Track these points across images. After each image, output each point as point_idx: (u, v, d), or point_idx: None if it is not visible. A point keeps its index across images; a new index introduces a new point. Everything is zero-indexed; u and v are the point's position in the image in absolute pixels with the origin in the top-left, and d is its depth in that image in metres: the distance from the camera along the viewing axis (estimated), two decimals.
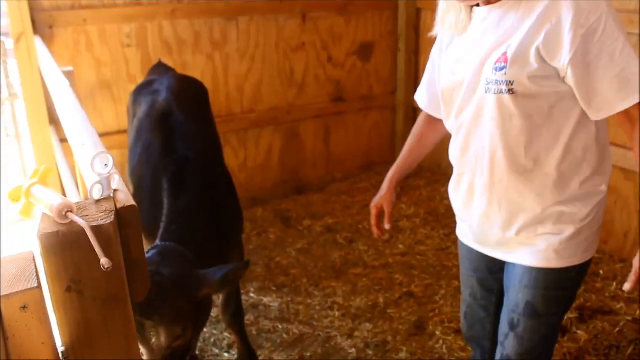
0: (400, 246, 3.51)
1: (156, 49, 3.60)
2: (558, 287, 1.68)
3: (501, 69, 1.50)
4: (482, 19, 1.59)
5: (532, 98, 1.52)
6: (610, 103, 1.48)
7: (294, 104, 4.15)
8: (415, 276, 3.22)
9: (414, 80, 4.44)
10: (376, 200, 2.01)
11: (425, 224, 3.74)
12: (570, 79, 1.48)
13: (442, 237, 3.59)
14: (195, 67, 3.71)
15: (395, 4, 4.34)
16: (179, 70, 3.45)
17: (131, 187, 2.39)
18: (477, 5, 1.58)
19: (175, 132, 2.27)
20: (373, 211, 2.01)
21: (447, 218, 3.78)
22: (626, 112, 1.49)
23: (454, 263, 3.29)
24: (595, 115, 1.52)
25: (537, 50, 1.46)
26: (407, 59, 4.38)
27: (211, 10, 3.69)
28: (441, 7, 1.68)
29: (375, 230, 2.03)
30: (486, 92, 1.55)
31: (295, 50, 4.05)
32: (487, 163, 1.62)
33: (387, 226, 1.99)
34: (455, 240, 3.46)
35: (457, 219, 1.88)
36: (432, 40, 4.47)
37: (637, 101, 1.45)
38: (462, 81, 1.62)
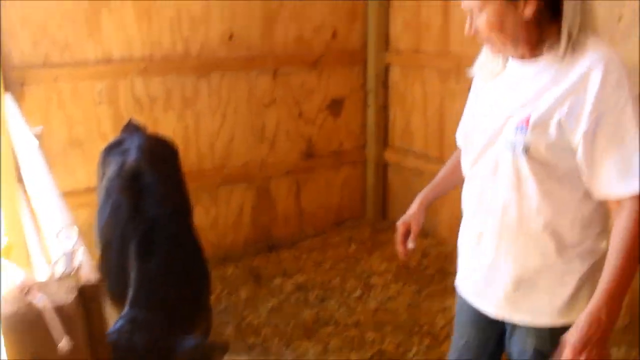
0: (372, 303, 3.49)
1: (128, 106, 3.60)
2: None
3: (523, 131, 1.52)
4: (514, 72, 1.62)
5: (546, 165, 1.54)
6: (608, 185, 1.49)
7: (266, 160, 4.16)
8: (387, 333, 3.19)
9: (384, 135, 4.51)
10: (404, 219, 1.96)
11: (396, 280, 3.73)
12: (579, 153, 1.50)
13: (414, 293, 3.58)
14: (167, 124, 3.72)
15: (364, 60, 4.43)
16: (151, 128, 3.46)
17: (99, 248, 2.36)
18: (511, 56, 1.62)
19: (145, 193, 2.26)
20: (400, 229, 1.94)
21: (418, 273, 3.79)
22: (618, 199, 1.50)
23: (425, 320, 3.28)
24: (594, 193, 1.54)
25: (559, 121, 1.49)
26: (377, 113, 4.44)
27: (183, 67, 3.72)
28: (483, 52, 1.71)
29: (400, 248, 1.94)
30: (505, 149, 1.57)
31: (266, 106, 4.09)
32: (498, 218, 1.64)
33: (411, 245, 1.93)
34: (427, 297, 3.49)
35: (459, 268, 1.88)
36: (401, 95, 4.54)
37: (631, 192, 1.46)
38: (484, 131, 1.64)
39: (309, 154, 4.36)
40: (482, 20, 1.53)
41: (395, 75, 4.36)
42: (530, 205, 1.58)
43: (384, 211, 4.65)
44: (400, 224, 1.94)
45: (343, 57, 4.36)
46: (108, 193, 2.42)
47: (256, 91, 4.03)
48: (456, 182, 1.94)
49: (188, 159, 3.77)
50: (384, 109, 4.48)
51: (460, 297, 1.90)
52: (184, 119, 3.80)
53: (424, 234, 4.21)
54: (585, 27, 1.49)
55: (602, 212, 1.62)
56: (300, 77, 4.20)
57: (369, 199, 4.64)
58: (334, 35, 4.28)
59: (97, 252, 2.36)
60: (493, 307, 1.74)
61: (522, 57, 1.58)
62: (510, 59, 1.63)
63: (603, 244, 1.63)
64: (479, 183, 1.69)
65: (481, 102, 1.71)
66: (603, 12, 3.04)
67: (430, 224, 4.23)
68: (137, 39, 3.56)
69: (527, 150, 1.52)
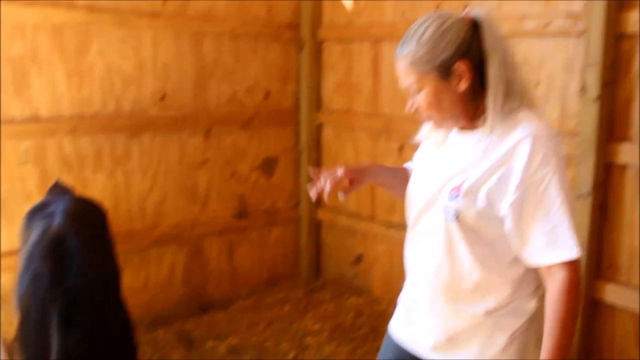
0: None
1: (55, 166, 3.50)
2: None
3: (455, 197, 1.61)
4: (453, 142, 1.71)
5: (476, 230, 1.62)
6: (537, 255, 1.57)
7: (198, 220, 4.11)
8: None
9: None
10: (348, 170, 1.79)
11: (331, 340, 3.70)
12: (507, 224, 1.57)
13: (349, 352, 3.55)
14: (96, 185, 3.64)
15: (297, 120, 4.49)
16: (79, 188, 3.39)
17: (17, 316, 2.26)
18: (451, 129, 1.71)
19: (67, 261, 2.18)
20: (338, 173, 1.77)
21: (352, 332, 3.77)
22: (548, 266, 1.56)
23: None
24: (524, 262, 1.61)
25: (488, 191, 1.57)
26: (309, 173, 4.47)
27: (113, 127, 3.67)
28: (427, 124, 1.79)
29: (327, 187, 1.75)
30: (439, 213, 1.65)
31: (198, 166, 4.07)
32: (432, 278, 1.71)
33: (341, 196, 1.81)
34: (362, 356, 3.47)
35: (396, 315, 1.91)
36: (333, 155, 4.59)
37: (559, 261, 1.53)
38: (422, 195, 1.72)
39: (242, 213, 4.33)
40: (421, 99, 1.62)
41: (327, 135, 4.42)
42: (462, 268, 1.65)
43: (318, 270, 4.63)
44: (344, 168, 1.78)
45: (276, 117, 4.41)
46: (29, 259, 2.33)
47: (188, 151, 4.00)
48: (403, 182, 1.91)
49: (118, 220, 3.68)
50: (317, 168, 4.49)
51: (389, 337, 1.93)
52: (114, 179, 3.73)
53: (358, 292, 4.22)
54: (513, 98, 1.58)
55: (531, 276, 1.67)
56: (233, 137, 4.20)
57: (303, 258, 4.63)
58: (267, 95, 4.33)
59: (17, 320, 2.26)
60: (424, 350, 1.79)
61: (463, 128, 1.68)
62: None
63: (534, 302, 1.69)
64: (418, 244, 1.77)
65: (423, 168, 1.80)
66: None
67: (363, 283, 4.24)
68: (67, 98, 3.49)
69: (458, 215, 1.60)
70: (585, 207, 2.92)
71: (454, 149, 1.69)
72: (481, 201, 1.57)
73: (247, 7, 4.17)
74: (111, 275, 2.43)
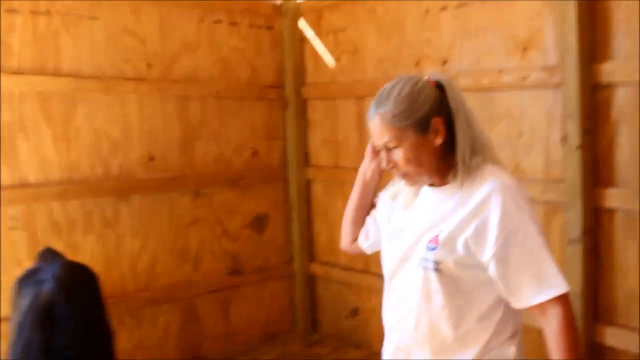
0: None
1: (45, 231, 3.50)
2: None
3: (432, 248, 1.68)
4: (425, 198, 1.79)
5: (455, 279, 1.68)
6: (528, 297, 1.63)
7: (190, 279, 4.09)
8: None
9: (310, 249, 4.55)
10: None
11: None
12: (492, 272, 1.64)
13: None
14: (86, 248, 3.63)
15: (285, 177, 4.52)
16: (70, 252, 3.38)
17: None
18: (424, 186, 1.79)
19: (59, 328, 2.17)
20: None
21: None
22: (540, 305, 1.63)
23: None
24: (516, 305, 1.67)
25: (466, 240, 1.64)
26: (301, 228, 4.49)
27: (102, 189, 3.69)
28: (396, 184, 1.90)
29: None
30: (418, 265, 1.71)
31: (189, 226, 4.07)
32: (412, 328, 1.76)
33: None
34: None
35: None
36: (323, 210, 4.58)
37: (550, 297, 1.61)
38: (398, 250, 1.79)
39: (235, 270, 4.32)
40: (399, 156, 1.68)
41: (317, 190, 4.46)
42: (441, 318, 1.71)
43: (314, 324, 4.60)
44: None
45: (264, 174, 4.45)
46: (20, 328, 2.32)
47: (178, 211, 4.02)
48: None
49: (110, 283, 3.66)
50: (307, 224, 4.53)
51: None
52: (105, 242, 3.73)
53: (356, 345, 4.18)
54: (477, 154, 1.69)
55: (512, 317, 1.74)
56: (223, 196, 4.23)
57: (299, 313, 4.59)
58: (255, 153, 4.38)
59: None
60: None
61: (432, 184, 1.76)
62: (422, 188, 1.79)
63: (513, 348, 1.75)
64: (395, 298, 1.82)
65: (396, 224, 1.85)
66: (504, 129, 3.26)
67: (362, 335, 4.20)
68: (55, 163, 3.52)
69: (437, 265, 1.67)
70: (577, 252, 2.94)
71: (425, 205, 1.77)
72: (459, 250, 1.65)
73: (230, 69, 4.26)
74: (104, 339, 2.41)
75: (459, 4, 3.42)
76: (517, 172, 3.22)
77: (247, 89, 4.34)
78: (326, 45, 4.29)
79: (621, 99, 2.84)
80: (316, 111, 4.42)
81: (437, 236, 1.67)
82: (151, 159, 3.88)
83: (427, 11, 3.59)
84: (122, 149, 3.77)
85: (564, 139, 2.95)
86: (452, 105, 1.69)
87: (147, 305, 3.91)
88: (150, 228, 3.91)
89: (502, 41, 3.26)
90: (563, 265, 3.03)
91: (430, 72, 1.78)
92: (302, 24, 4.43)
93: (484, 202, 1.63)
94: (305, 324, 4.59)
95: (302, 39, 4.46)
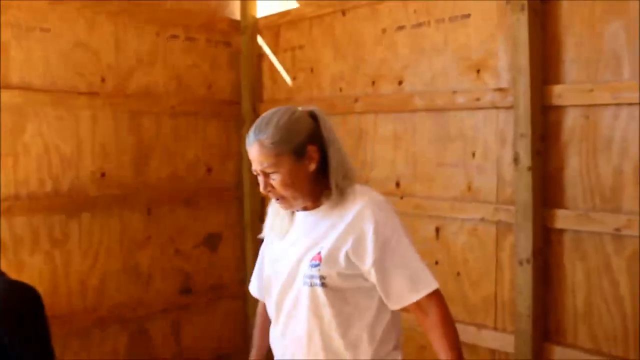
0: None
1: None
2: None
3: (316, 265, 1.80)
4: (300, 222, 1.93)
5: (340, 291, 1.81)
6: (404, 296, 1.80)
7: (141, 298, 4.00)
8: None
9: None
10: None
11: None
12: (373, 278, 1.80)
13: None
14: (33, 267, 3.52)
15: (240, 195, 4.49)
16: (15, 271, 3.28)
17: None
18: (298, 210, 1.92)
19: None
20: None
21: None
22: (417, 304, 1.81)
23: None
24: (393, 306, 1.83)
25: (346, 253, 1.79)
26: (255, 247, 4.41)
27: (51, 206, 3.59)
28: (270, 214, 2.03)
29: None
30: (303, 284, 1.83)
31: (140, 244, 3.99)
32: (305, 345, 1.86)
33: None
34: None
35: None
36: None
37: (424, 295, 1.79)
38: (282, 273, 1.90)
39: (187, 290, 4.25)
40: (277, 180, 1.80)
41: None
42: (331, 329, 1.83)
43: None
44: None
45: (218, 193, 4.40)
46: None
47: (129, 229, 3.94)
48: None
49: (56, 303, 3.57)
50: (261, 243, 4.47)
51: None
52: (52, 261, 3.62)
53: None
54: (350, 177, 1.86)
55: (395, 329, 1.91)
56: (175, 214, 4.17)
57: (251, 331, 4.45)
58: (209, 171, 4.34)
59: None
60: None
61: (306, 208, 1.90)
62: (297, 213, 1.93)
63: (400, 356, 1.92)
64: (285, 318, 1.92)
65: (276, 250, 1.98)
66: (458, 149, 3.30)
67: None
68: (1, 178, 3.41)
69: (323, 280, 1.79)
70: (527, 272, 2.98)
71: (302, 228, 1.90)
72: (341, 263, 1.78)
73: (186, 85, 4.22)
74: None
75: (415, 24, 3.46)
76: (470, 193, 3.26)
77: (202, 105, 4.31)
78: (283, 62, 4.29)
79: (570, 122, 2.90)
80: None
81: (319, 253, 1.80)
82: (103, 175, 3.80)
83: (384, 31, 3.62)
84: (73, 165, 3.68)
85: (516, 160, 2.99)
86: (325, 134, 1.84)
87: (95, 326, 3.80)
88: (101, 246, 3.81)
89: (456, 62, 3.31)
90: (513, 285, 3.07)
91: (304, 106, 1.94)
92: (260, 41, 4.43)
93: (358, 217, 1.80)
94: None
95: (260, 56, 4.45)
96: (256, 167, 1.83)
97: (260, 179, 1.85)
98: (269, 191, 1.84)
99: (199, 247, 4.31)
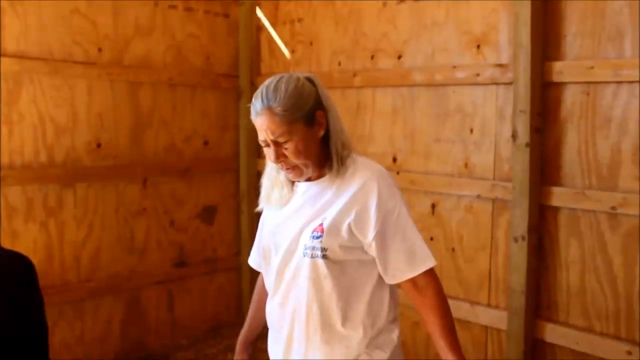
0: None
1: None
2: None
3: (318, 237, 1.76)
4: (302, 192, 1.86)
5: (340, 263, 1.78)
6: (401, 271, 1.79)
7: (135, 270, 4.00)
8: None
9: None
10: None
11: None
12: (373, 251, 1.78)
13: None
14: (27, 236, 3.51)
15: (236, 167, 4.47)
16: (8, 241, 3.28)
17: None
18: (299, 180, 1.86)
19: None
20: None
21: None
22: (412, 280, 1.79)
23: None
24: (390, 280, 1.82)
25: (349, 225, 1.75)
26: (250, 220, 4.44)
27: (45, 176, 3.57)
28: (265, 185, 1.95)
29: None
30: (304, 255, 1.78)
31: (135, 215, 3.99)
32: (304, 316, 1.82)
33: None
34: None
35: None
36: None
37: (421, 272, 1.78)
38: (282, 244, 1.85)
39: (182, 262, 4.25)
40: (290, 149, 1.75)
41: None
42: (331, 301, 1.80)
43: None
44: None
45: (215, 164, 4.39)
46: None
47: (125, 200, 3.92)
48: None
49: (51, 273, 3.57)
50: (257, 216, 4.46)
51: None
52: (47, 230, 3.61)
53: None
54: (348, 146, 1.83)
55: (393, 303, 1.89)
56: (171, 185, 4.15)
57: (245, 305, 4.53)
58: (206, 143, 4.32)
59: None
60: None
61: (309, 179, 1.85)
62: (297, 183, 1.88)
63: (397, 332, 1.90)
64: (284, 289, 1.87)
65: (276, 220, 1.91)
66: (456, 124, 3.28)
67: None
68: None
69: (324, 252, 1.76)
70: (522, 249, 2.98)
71: (305, 198, 1.85)
72: (343, 235, 1.75)
73: (184, 56, 4.18)
74: (37, 333, 2.32)
75: None
76: (467, 169, 3.25)
77: (200, 77, 4.27)
78: (282, 35, 4.25)
79: (570, 99, 2.88)
80: None
81: (321, 225, 1.77)
82: (99, 145, 3.78)
83: (385, 4, 3.59)
84: (68, 135, 3.65)
85: (514, 137, 2.98)
86: (324, 100, 1.80)
87: (90, 296, 3.80)
88: (96, 217, 3.80)
89: (456, 37, 3.28)
90: (508, 262, 3.07)
91: (298, 72, 1.87)
92: (259, 13, 4.38)
93: (362, 189, 1.77)
94: None
95: (258, 28, 4.41)
96: (266, 137, 1.74)
97: (270, 149, 1.76)
98: (282, 161, 1.76)
99: (194, 220, 4.31)
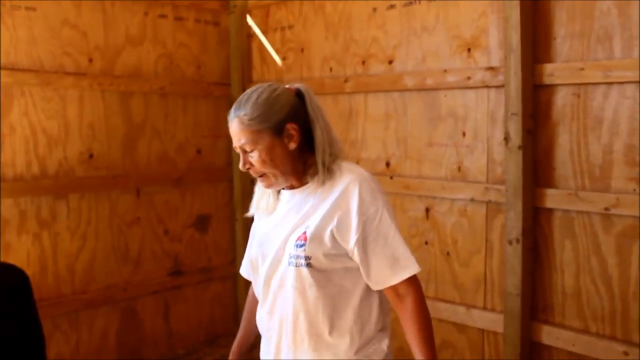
0: None
1: None
2: None
3: (301, 245, 1.76)
4: (286, 201, 1.88)
5: (325, 272, 1.78)
6: (384, 278, 1.77)
7: (130, 280, 3.99)
8: None
9: None
10: None
11: None
12: (355, 257, 1.77)
13: None
14: (20, 248, 3.49)
15: (229, 175, 4.47)
16: (1, 253, 3.26)
17: None
18: (283, 189, 1.88)
19: None
20: None
21: None
22: (394, 287, 1.78)
23: None
24: (374, 287, 1.80)
25: (332, 232, 1.75)
26: (245, 228, 4.42)
27: (38, 188, 3.55)
28: (256, 193, 1.98)
29: None
30: (289, 264, 1.79)
31: (129, 225, 3.97)
32: (290, 326, 1.82)
33: None
34: None
35: None
36: None
37: (403, 279, 1.76)
38: (268, 253, 1.85)
39: (177, 271, 4.24)
40: (255, 157, 1.78)
41: None
42: (317, 310, 1.79)
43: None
44: None
45: (208, 173, 4.39)
46: None
47: (118, 210, 3.91)
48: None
49: (45, 285, 3.56)
50: (251, 224, 4.46)
51: None
52: (40, 242, 3.59)
53: None
54: (336, 155, 1.83)
55: (382, 307, 1.87)
56: (165, 195, 4.15)
57: (241, 313, 4.46)
58: (199, 152, 4.32)
59: None
60: None
61: (292, 187, 1.86)
62: (282, 192, 1.89)
63: (386, 341, 1.88)
64: (272, 298, 1.87)
65: (262, 230, 1.94)
66: (448, 128, 3.28)
67: None
68: None
69: (308, 260, 1.76)
70: (517, 251, 2.98)
71: (288, 207, 1.86)
72: (326, 242, 1.75)
73: (175, 65, 4.18)
74: (31, 346, 2.30)
75: (406, 3, 3.44)
76: (460, 173, 3.25)
77: (192, 85, 4.27)
78: (273, 43, 4.26)
79: (561, 101, 2.89)
80: None
81: (304, 233, 1.77)
82: (91, 156, 3.77)
83: (375, 9, 3.59)
84: (60, 146, 3.64)
85: (506, 139, 2.98)
86: (311, 113, 1.82)
87: (85, 307, 3.79)
88: (89, 228, 3.79)
89: (447, 41, 3.29)
90: (503, 265, 3.07)
91: (292, 83, 1.91)
92: (249, 20, 4.38)
93: (344, 194, 1.77)
94: None
95: (249, 36, 4.41)
96: (235, 143, 1.81)
97: (240, 155, 1.82)
98: (248, 168, 1.81)
99: (188, 229, 4.30)
